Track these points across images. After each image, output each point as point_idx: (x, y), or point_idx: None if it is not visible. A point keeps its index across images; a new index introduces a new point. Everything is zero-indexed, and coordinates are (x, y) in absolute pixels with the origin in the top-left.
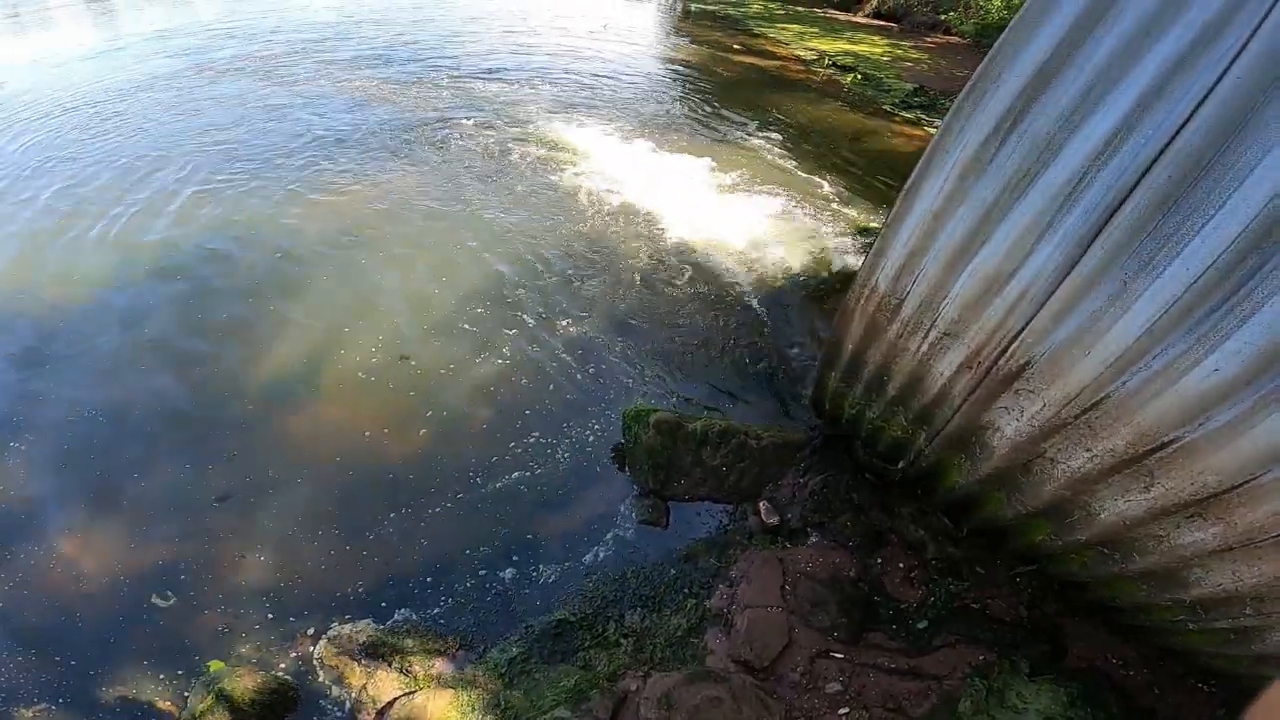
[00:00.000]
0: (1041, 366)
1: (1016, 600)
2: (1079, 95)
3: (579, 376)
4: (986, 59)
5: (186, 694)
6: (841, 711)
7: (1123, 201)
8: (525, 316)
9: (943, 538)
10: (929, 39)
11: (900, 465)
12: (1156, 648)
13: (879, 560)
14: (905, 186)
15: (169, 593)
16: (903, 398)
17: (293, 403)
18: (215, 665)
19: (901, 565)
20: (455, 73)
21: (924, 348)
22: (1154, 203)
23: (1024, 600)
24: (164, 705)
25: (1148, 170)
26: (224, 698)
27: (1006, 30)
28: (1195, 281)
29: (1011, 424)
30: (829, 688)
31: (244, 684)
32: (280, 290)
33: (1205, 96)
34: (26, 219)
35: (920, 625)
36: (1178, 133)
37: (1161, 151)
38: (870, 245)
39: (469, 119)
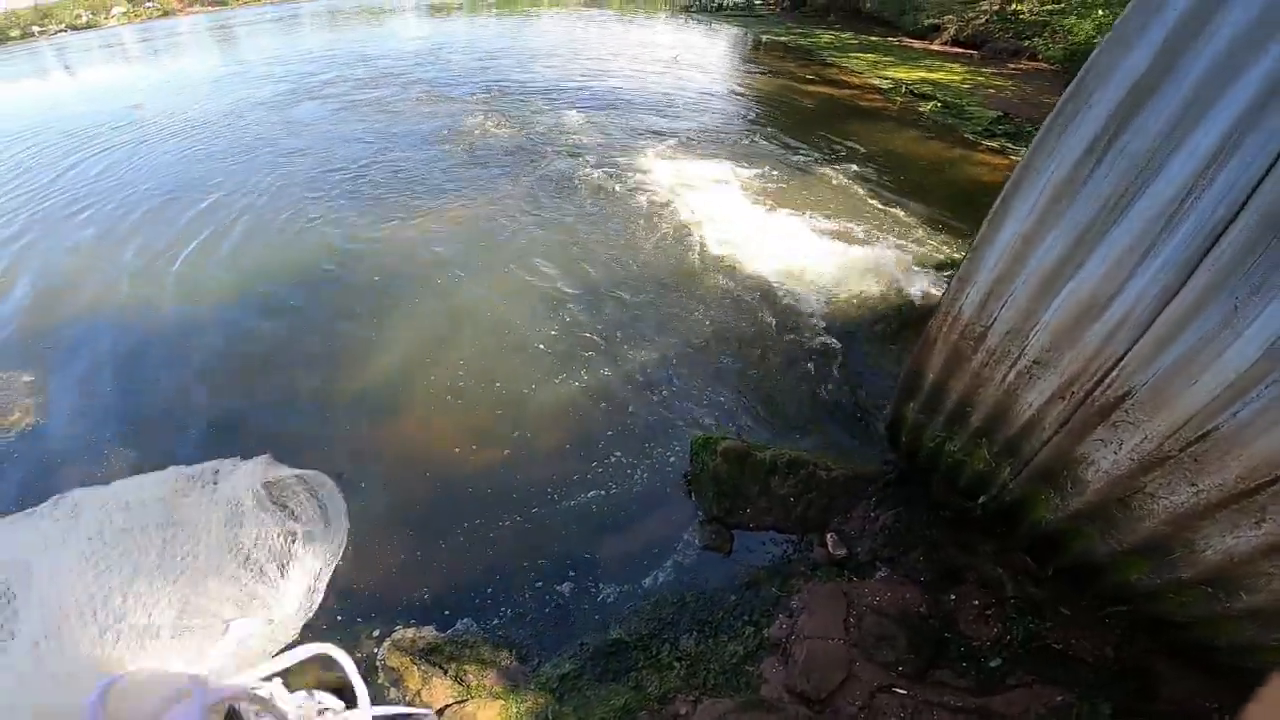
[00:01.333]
0: (1143, 396)
1: (1103, 641)
2: (1179, 111)
3: (651, 402)
4: (1078, 77)
5: None
6: None
7: (1231, 221)
8: (601, 341)
9: (1023, 576)
10: (1011, 65)
11: (982, 500)
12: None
13: (952, 597)
14: (992, 210)
15: None
16: (987, 430)
17: (379, 417)
18: None
19: (977, 603)
20: (532, 102)
21: (1011, 377)
22: (1265, 221)
23: (1111, 641)
24: None
25: (1257, 187)
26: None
27: (1099, 46)
28: None
29: (1108, 457)
30: None
31: (304, 678)
32: (373, 311)
33: None
34: (159, 232)
35: (993, 664)
36: None
37: (1271, 167)
38: (953, 273)
39: (547, 147)
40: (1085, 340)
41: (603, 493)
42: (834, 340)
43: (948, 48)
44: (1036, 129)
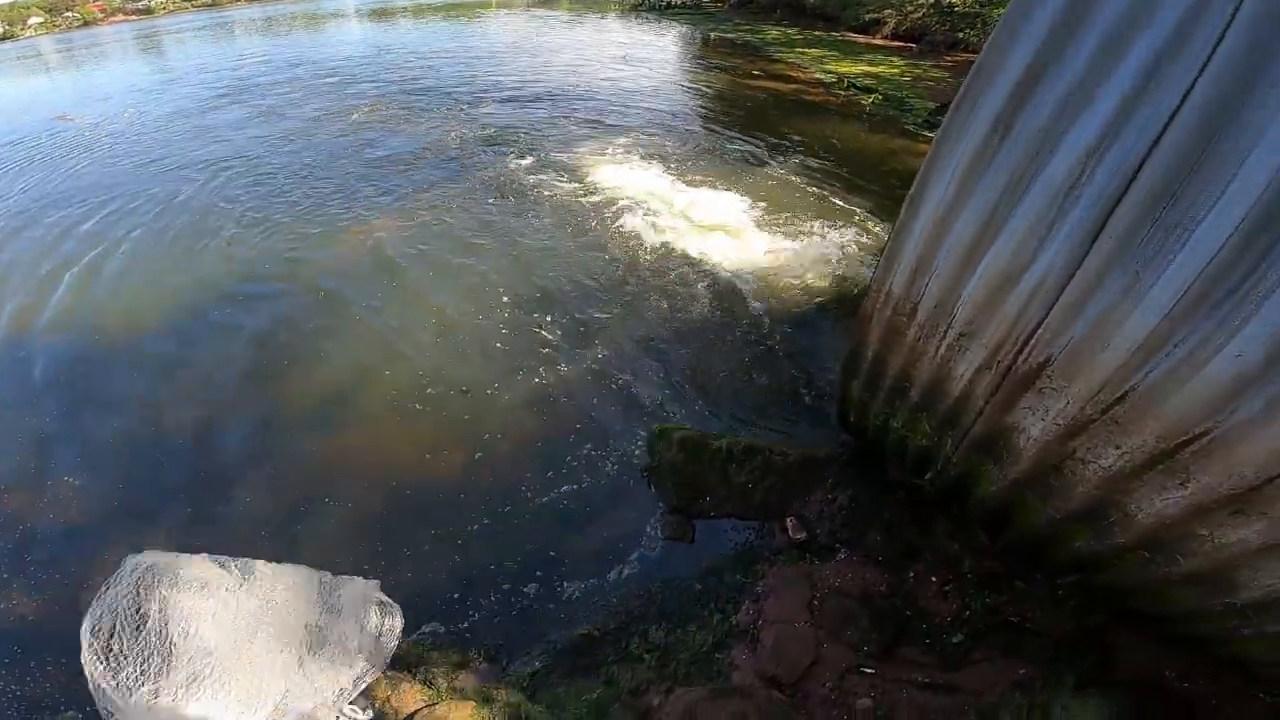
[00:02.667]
0: (1061, 363)
1: (1060, 612)
2: (1069, 90)
3: (610, 396)
4: (978, 61)
5: None
6: None
7: (1124, 192)
8: (557, 338)
9: (979, 552)
10: (948, 58)
11: (928, 476)
12: (1214, 658)
13: (911, 576)
14: (911, 191)
15: None
16: (925, 403)
17: (338, 427)
18: None
19: (935, 580)
20: (477, 102)
21: (942, 350)
22: (1156, 192)
23: (1068, 611)
24: None
25: (1146, 159)
26: None
27: (995, 29)
28: (1206, 267)
29: (1037, 424)
30: (859, 704)
31: None
32: (319, 321)
33: (1194, 82)
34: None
35: (955, 639)
36: (1170, 121)
37: (1156, 141)
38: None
39: (491, 148)
40: (1004, 310)
41: (566, 490)
42: (781, 327)
43: (889, 41)
44: None
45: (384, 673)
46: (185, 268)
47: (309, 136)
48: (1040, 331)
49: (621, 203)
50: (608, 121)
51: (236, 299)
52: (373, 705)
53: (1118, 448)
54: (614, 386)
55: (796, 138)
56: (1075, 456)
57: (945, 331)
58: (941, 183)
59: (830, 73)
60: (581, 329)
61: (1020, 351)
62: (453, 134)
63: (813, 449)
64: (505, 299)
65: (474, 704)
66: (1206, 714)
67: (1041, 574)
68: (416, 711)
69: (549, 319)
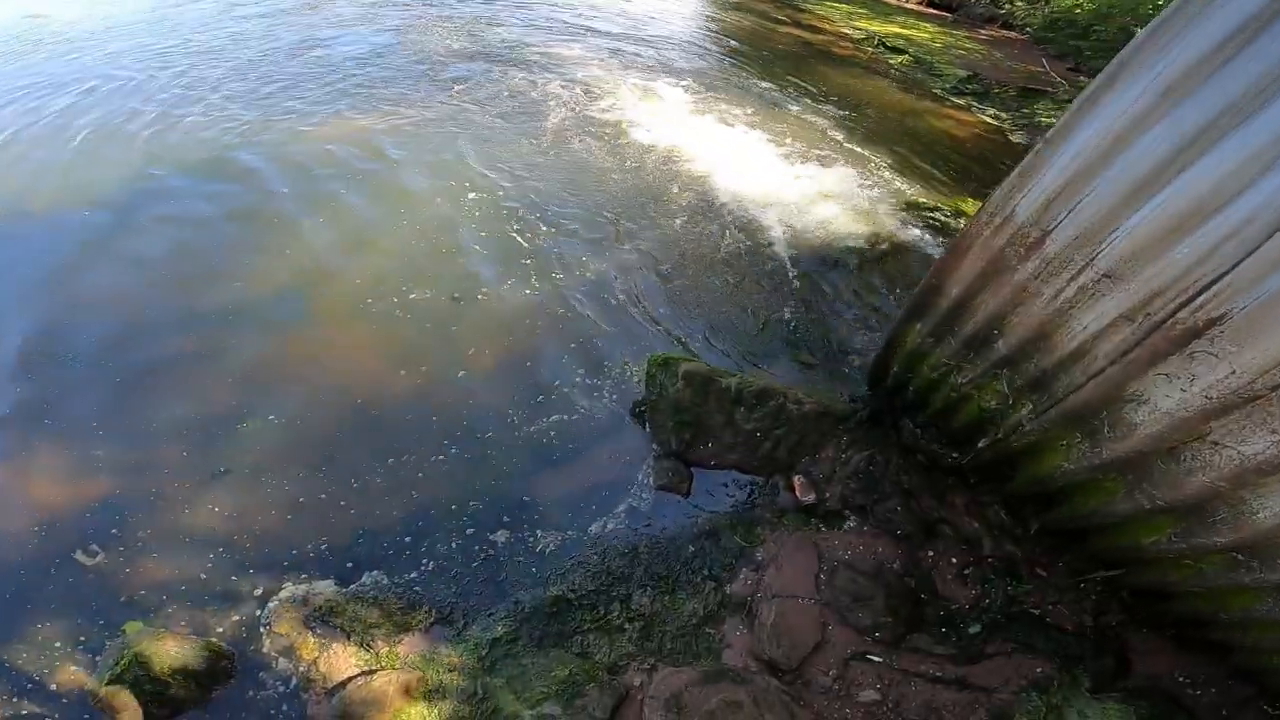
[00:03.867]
0: (1239, 323)
1: (1080, 608)
2: None
3: (607, 320)
4: None
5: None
6: None
7: None
8: (556, 248)
9: (1000, 534)
10: (983, 31)
11: (980, 444)
12: (1232, 667)
13: (930, 554)
14: (1078, 101)
15: (95, 548)
16: (1015, 358)
17: (291, 327)
18: (132, 627)
19: (954, 561)
20: (494, 16)
21: (1069, 292)
22: None
23: (1089, 608)
24: (71, 674)
25: None
26: (140, 664)
27: None
28: None
29: (1172, 396)
30: (864, 696)
31: (166, 649)
32: (287, 211)
33: None
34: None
35: (972, 630)
36: None
37: None
38: (1010, 175)
39: (505, 62)
40: (1176, 253)
41: (554, 420)
42: (800, 268)
43: (922, 7)
44: (1006, 91)
45: (306, 624)
46: (140, 152)
47: (293, 32)
48: (1224, 282)
49: (641, 127)
50: (627, 50)
51: (193, 184)
52: (297, 670)
53: (1276, 434)
54: (615, 308)
55: (822, 86)
56: (1208, 439)
57: (1080, 272)
58: (1131, 89)
59: (860, 29)
60: (587, 241)
61: (1186, 304)
62: (469, 45)
63: (833, 399)
64: (505, 205)
65: (420, 674)
66: None
67: (1065, 564)
68: (349, 680)
69: (551, 228)
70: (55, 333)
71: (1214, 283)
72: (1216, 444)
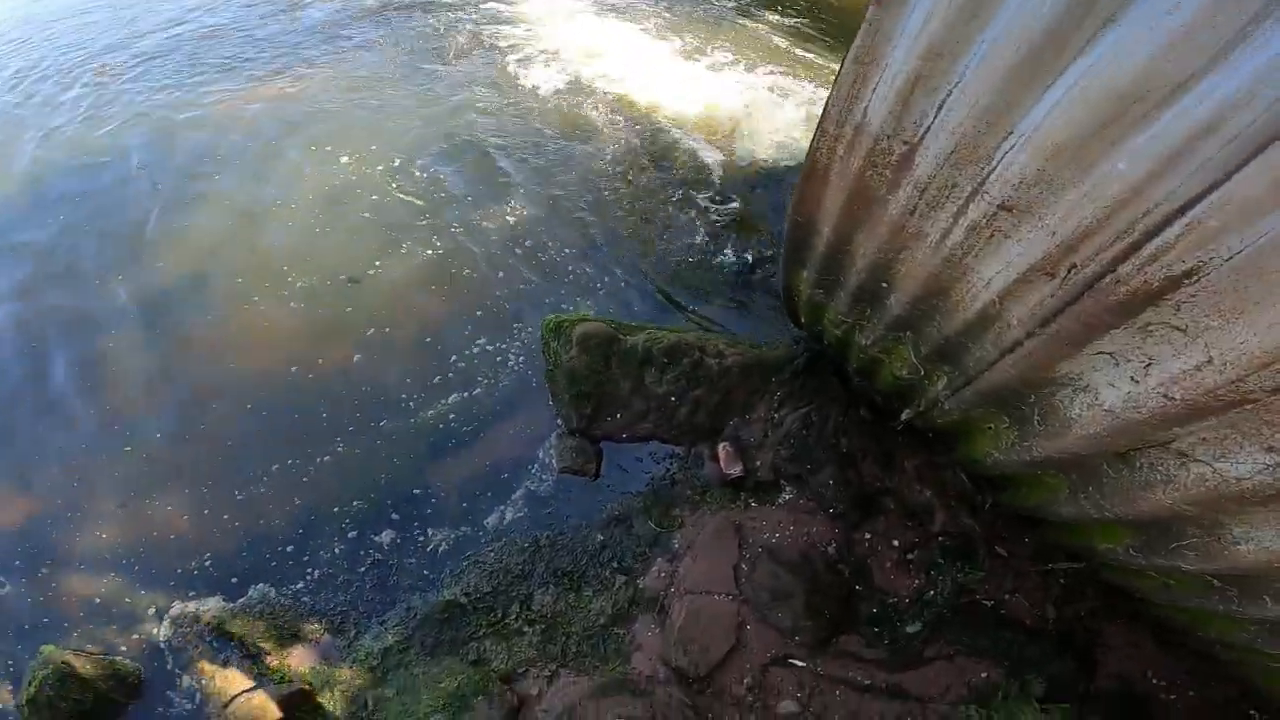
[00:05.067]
0: (1218, 282)
1: (1044, 597)
2: None
3: (516, 278)
4: None
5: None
6: None
7: None
8: (465, 202)
9: (957, 503)
10: None
11: (905, 415)
12: (1211, 668)
13: (868, 535)
14: None
15: (0, 579)
16: (911, 319)
17: (172, 329)
18: (48, 649)
19: (897, 543)
20: None
21: (956, 234)
22: None
23: (1053, 597)
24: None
25: None
26: (58, 682)
27: None
28: None
29: (1119, 385)
30: (782, 707)
31: (79, 668)
32: (181, 188)
33: None
34: None
35: (910, 629)
36: None
37: None
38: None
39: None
40: (1113, 165)
41: (447, 403)
42: (740, 189)
43: None
44: None
45: (199, 639)
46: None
47: None
48: (1194, 213)
49: (565, 54)
50: None
51: (82, 166)
52: (198, 683)
53: (1270, 449)
54: (525, 263)
55: None
56: (1172, 448)
57: (967, 202)
58: None
59: None
60: (499, 190)
61: (1132, 251)
62: None
63: (761, 349)
64: (402, 157)
65: (306, 687)
66: None
67: (1029, 540)
68: (235, 697)
69: (460, 180)
70: None
71: (1178, 214)
72: (1186, 455)
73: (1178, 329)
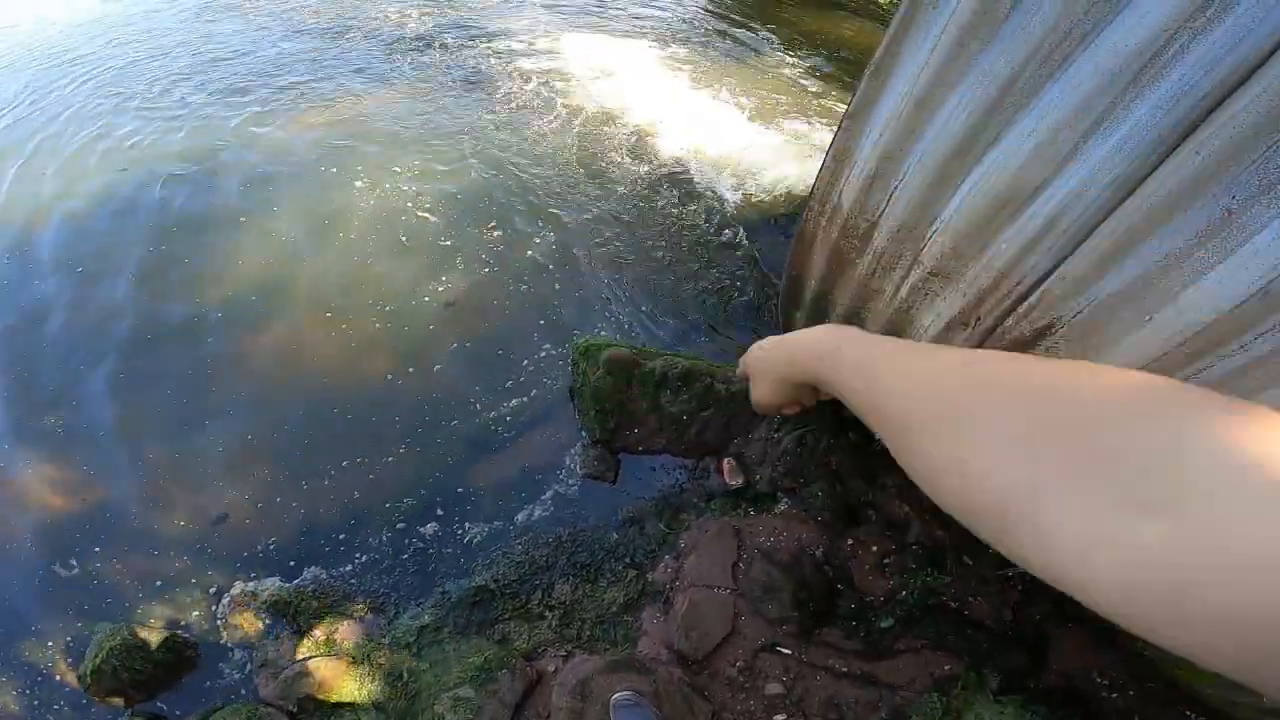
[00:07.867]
0: (1070, 332)
1: (1003, 601)
2: None
3: (548, 305)
4: None
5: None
6: (777, 718)
7: (1241, 84)
8: (497, 235)
9: (931, 517)
10: None
11: (875, 442)
12: (1148, 668)
13: (851, 541)
14: (875, 58)
15: (71, 561)
16: None
17: (247, 332)
18: (109, 625)
19: (876, 549)
20: None
21: (904, 291)
22: None
23: (1011, 601)
24: (64, 667)
25: None
26: (118, 655)
27: None
28: None
29: None
30: (769, 689)
31: (145, 639)
32: (239, 212)
33: None
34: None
35: (884, 624)
36: None
37: None
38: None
39: (448, 34)
40: (998, 246)
41: (497, 414)
42: (756, 233)
43: None
44: None
45: (263, 623)
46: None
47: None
48: (1050, 282)
49: (591, 91)
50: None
51: (133, 184)
52: (250, 656)
53: None
54: (557, 291)
55: (801, 32)
56: None
57: (910, 268)
58: (922, 50)
59: None
60: (527, 222)
61: (1013, 308)
62: (409, 21)
63: None
64: (444, 189)
65: (350, 660)
66: None
67: (991, 551)
68: (292, 665)
69: (489, 212)
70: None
71: (1040, 283)
72: None
73: None
